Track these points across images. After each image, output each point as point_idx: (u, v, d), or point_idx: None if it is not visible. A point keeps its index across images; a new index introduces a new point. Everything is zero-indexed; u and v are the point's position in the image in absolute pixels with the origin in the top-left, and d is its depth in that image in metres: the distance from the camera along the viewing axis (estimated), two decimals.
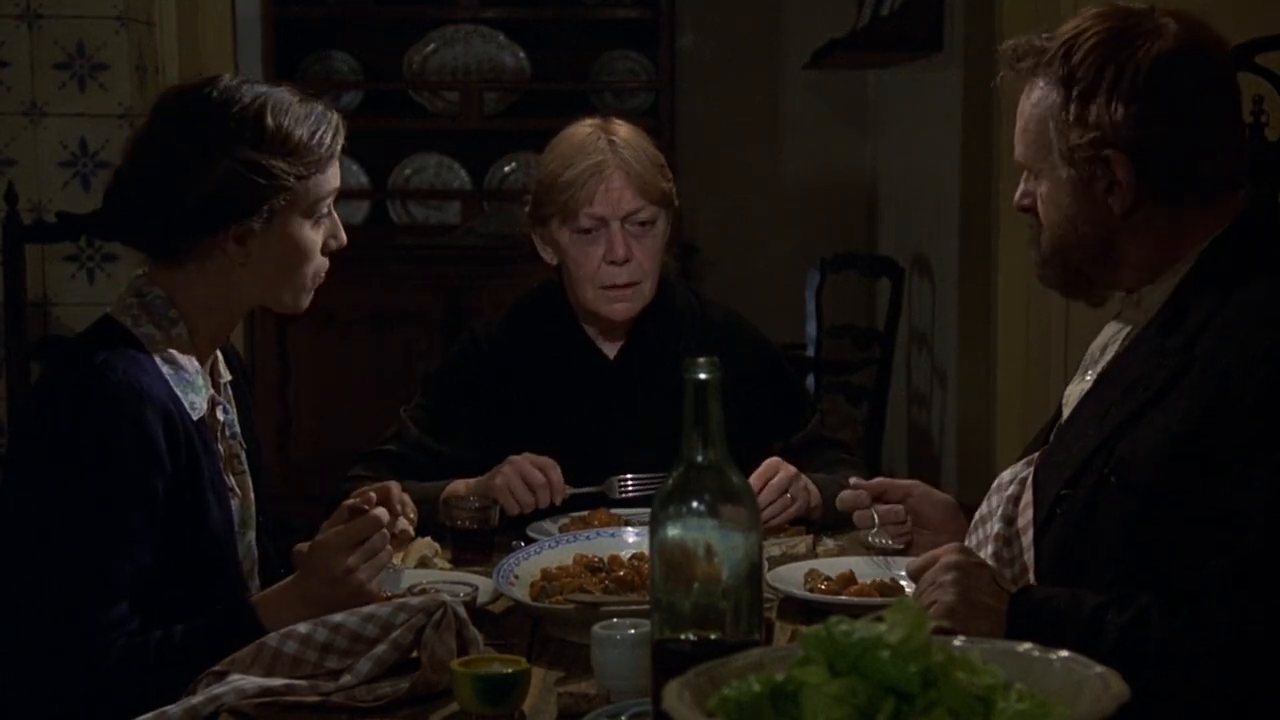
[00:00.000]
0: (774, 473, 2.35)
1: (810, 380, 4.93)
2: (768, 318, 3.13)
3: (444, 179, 5.81)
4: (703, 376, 1.46)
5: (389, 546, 1.91)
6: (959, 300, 4.82)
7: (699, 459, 1.47)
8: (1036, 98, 1.88)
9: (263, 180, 1.91)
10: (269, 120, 1.93)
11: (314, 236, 1.99)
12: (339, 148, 2.00)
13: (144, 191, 1.92)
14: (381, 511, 1.90)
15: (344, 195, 2.04)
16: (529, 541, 2.25)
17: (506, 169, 5.79)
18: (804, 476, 2.38)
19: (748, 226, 5.92)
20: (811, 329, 5.12)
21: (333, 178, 2.00)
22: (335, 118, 2.01)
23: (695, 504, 1.47)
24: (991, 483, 1.98)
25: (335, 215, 2.03)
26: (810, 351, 5.11)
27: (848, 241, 5.64)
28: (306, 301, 2.04)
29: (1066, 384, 2.04)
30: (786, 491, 2.35)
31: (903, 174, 5.61)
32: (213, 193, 1.89)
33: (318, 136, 1.96)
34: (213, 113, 1.92)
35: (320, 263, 2.02)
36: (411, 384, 3.15)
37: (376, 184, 5.77)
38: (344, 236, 2.04)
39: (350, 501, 1.96)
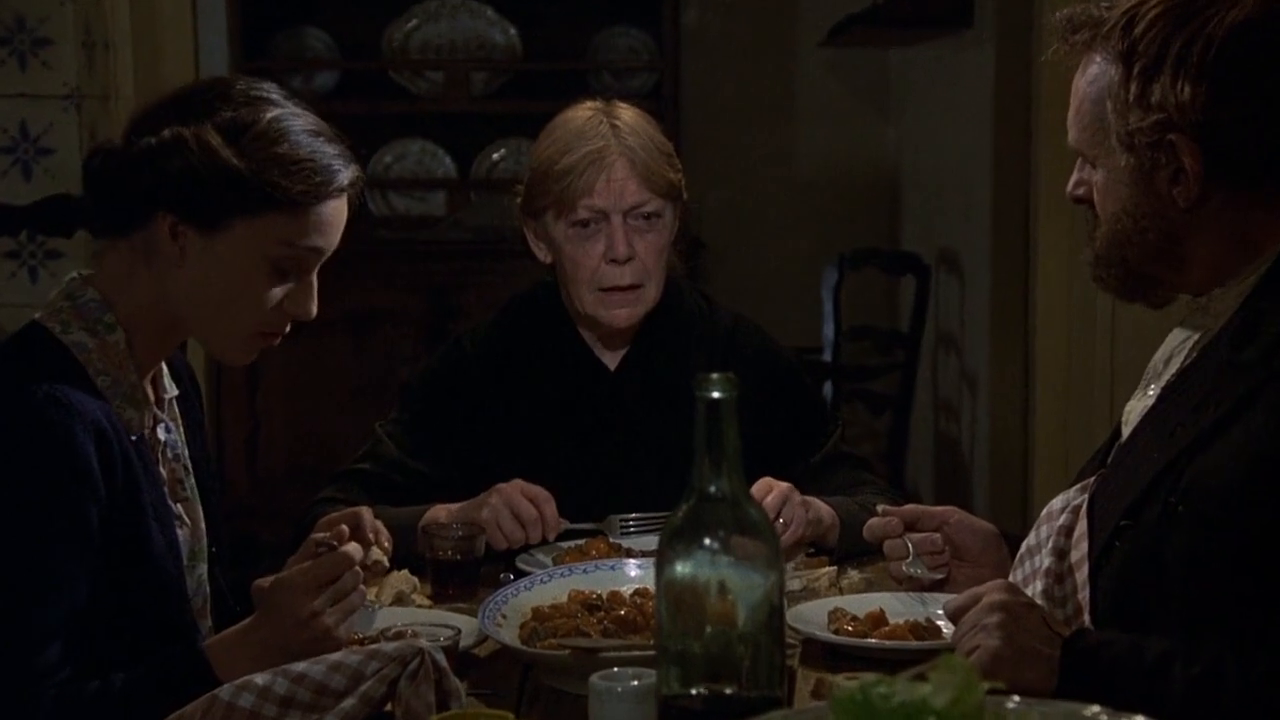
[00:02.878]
0: (763, 495, 2.31)
1: (827, 387, 5.02)
2: (781, 319, 3.13)
3: (427, 167, 5.82)
4: (716, 395, 1.44)
5: (361, 587, 1.85)
6: (991, 300, 4.83)
7: (712, 489, 1.45)
8: (1093, 75, 1.83)
9: (205, 162, 1.83)
10: (263, 119, 1.87)
11: (261, 282, 1.89)
12: (341, 200, 1.91)
13: (112, 149, 1.89)
14: (354, 548, 1.85)
15: None
16: (518, 574, 2.22)
17: (496, 156, 5.81)
18: (797, 494, 2.34)
19: (759, 219, 5.93)
20: (829, 331, 5.18)
21: (318, 230, 1.90)
22: (354, 170, 1.93)
23: (708, 540, 1.44)
24: (1025, 502, 1.95)
25: (312, 285, 1.94)
26: (827, 356, 5.18)
27: (868, 236, 5.67)
28: (237, 355, 1.95)
29: (1112, 393, 2.00)
30: (778, 516, 2.30)
31: (929, 161, 5.63)
32: (157, 153, 1.84)
33: (317, 166, 1.88)
34: (213, 91, 1.89)
35: (268, 320, 1.92)
36: (392, 392, 3.12)
37: None
38: (312, 310, 1.94)
39: (318, 536, 1.88)
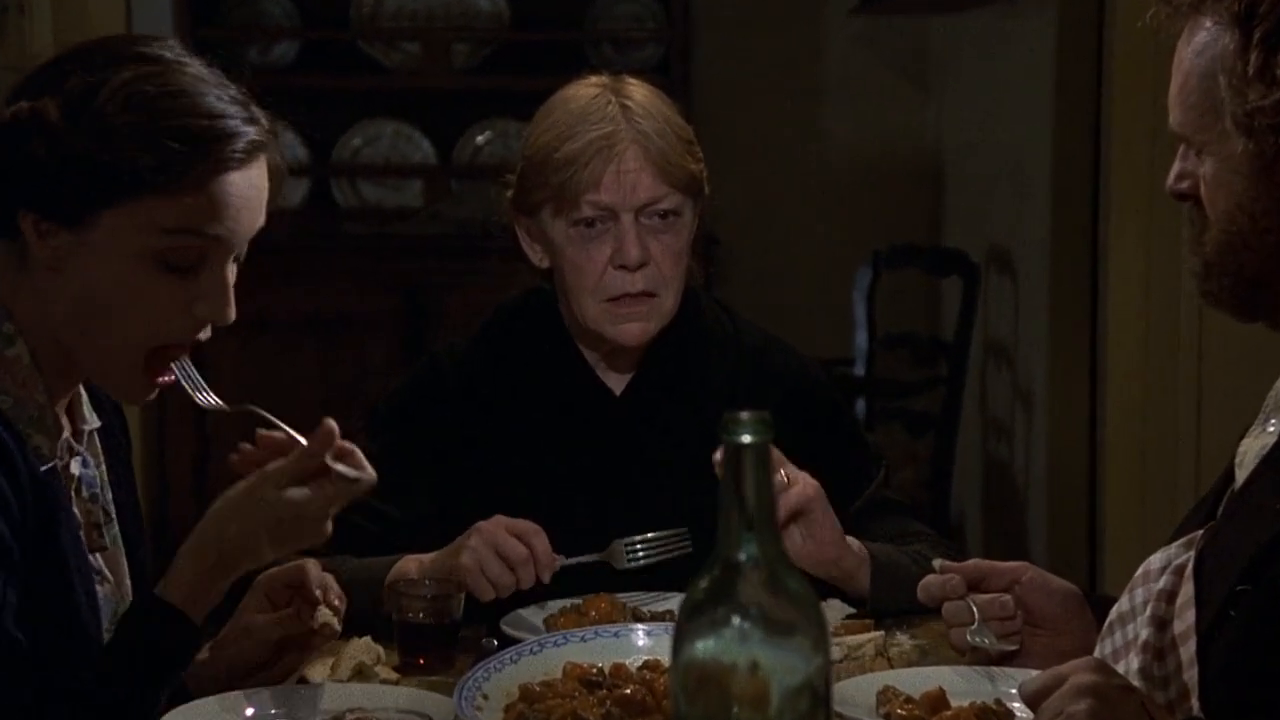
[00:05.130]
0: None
1: (860, 405, 5.21)
2: (806, 326, 3.13)
3: (402, 152, 5.84)
4: (747, 439, 1.34)
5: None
6: (1050, 304, 4.84)
7: (741, 555, 1.36)
8: (1201, 44, 1.76)
9: (47, 143, 1.72)
10: (117, 79, 1.75)
11: (147, 282, 1.78)
12: (244, 171, 1.79)
13: None
14: (330, 425, 1.85)
15: None
16: (504, 641, 2.17)
17: (480, 140, 5.84)
18: (823, 500, 2.31)
19: (781, 212, 5.94)
20: (861, 340, 5.25)
21: (209, 212, 1.77)
22: (256, 131, 1.81)
23: (736, 619, 1.35)
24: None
25: (224, 282, 1.81)
26: (859, 368, 5.25)
27: (907, 231, 5.68)
28: (133, 386, 1.86)
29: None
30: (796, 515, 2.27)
31: (977, 146, 5.64)
32: (5, 134, 1.74)
33: (194, 129, 1.76)
34: (81, 54, 1.80)
35: (167, 329, 1.81)
36: (362, 408, 3.07)
37: (318, 158, 5.79)
38: (229, 314, 1.83)
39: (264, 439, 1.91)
